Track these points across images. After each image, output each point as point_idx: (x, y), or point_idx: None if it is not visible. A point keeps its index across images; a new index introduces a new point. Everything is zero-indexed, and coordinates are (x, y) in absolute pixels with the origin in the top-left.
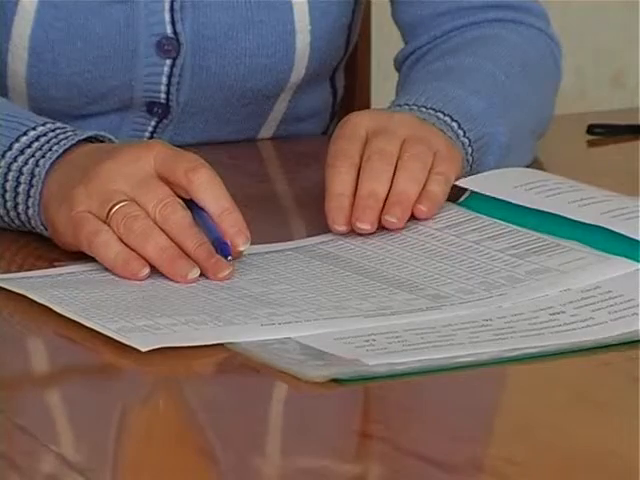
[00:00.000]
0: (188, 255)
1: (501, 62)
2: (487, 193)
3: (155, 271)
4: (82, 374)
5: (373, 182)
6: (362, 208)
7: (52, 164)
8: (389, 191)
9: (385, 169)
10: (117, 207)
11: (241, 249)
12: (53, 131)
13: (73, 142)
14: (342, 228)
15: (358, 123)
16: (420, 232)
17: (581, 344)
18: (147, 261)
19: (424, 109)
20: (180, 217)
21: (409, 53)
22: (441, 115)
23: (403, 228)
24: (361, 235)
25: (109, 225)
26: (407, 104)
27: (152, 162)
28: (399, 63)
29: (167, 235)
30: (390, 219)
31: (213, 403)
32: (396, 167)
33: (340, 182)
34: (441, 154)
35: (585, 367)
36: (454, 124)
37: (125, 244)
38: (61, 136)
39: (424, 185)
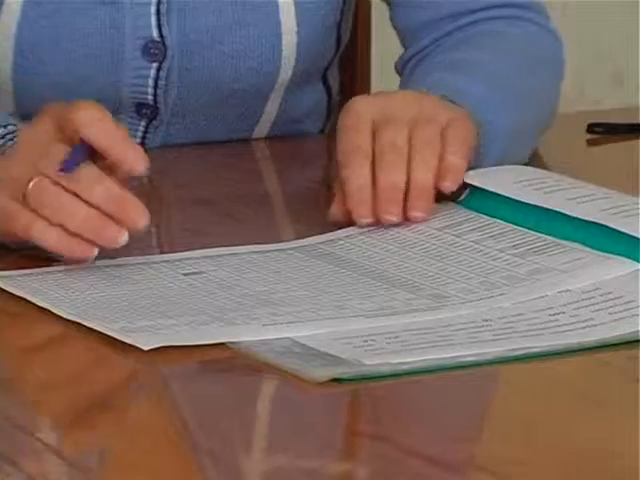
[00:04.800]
0: (104, 211)
1: (503, 56)
2: (487, 188)
3: (154, 269)
4: (82, 373)
5: (391, 174)
6: (385, 200)
7: None
8: (408, 180)
9: (399, 161)
10: (30, 185)
11: (139, 170)
12: (2, 137)
13: None
14: (368, 220)
15: (362, 111)
16: (420, 232)
17: (582, 344)
18: (77, 234)
19: None
20: (85, 173)
21: (410, 56)
22: (436, 100)
23: (404, 228)
24: (361, 235)
25: (29, 207)
26: None
27: (50, 124)
28: (400, 68)
29: (78, 196)
30: (417, 214)
31: (213, 402)
32: (410, 155)
33: (357, 177)
34: (451, 123)
35: (585, 367)
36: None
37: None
38: (9, 143)
39: (443, 159)
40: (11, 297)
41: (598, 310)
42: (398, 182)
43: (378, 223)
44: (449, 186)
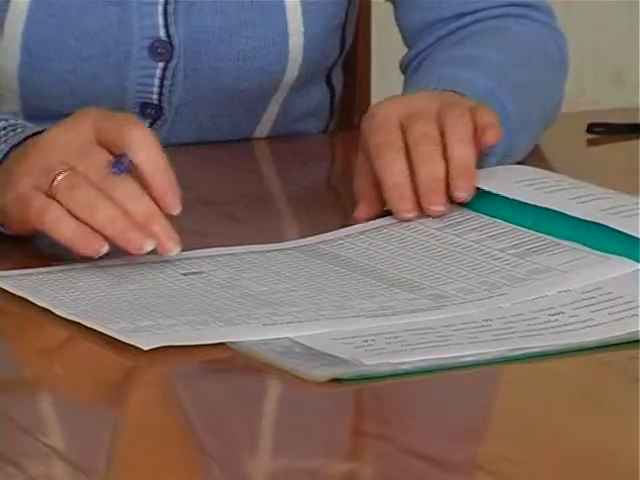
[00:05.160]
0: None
1: (507, 52)
2: (487, 188)
3: (154, 269)
4: (83, 374)
5: (430, 165)
6: (429, 191)
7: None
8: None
9: (435, 149)
10: (60, 178)
11: (173, 212)
12: (4, 129)
13: (20, 139)
14: (411, 215)
15: (387, 113)
16: (420, 232)
17: (582, 344)
18: (98, 231)
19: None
20: (125, 185)
21: (415, 55)
22: (453, 94)
23: (404, 227)
24: (361, 234)
25: (54, 198)
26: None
27: (90, 127)
28: (405, 67)
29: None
30: (461, 194)
31: (214, 402)
32: (444, 139)
33: (394, 172)
34: (475, 106)
35: (585, 367)
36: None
37: (75, 217)
38: (10, 134)
39: (477, 120)
40: (11, 297)
41: (598, 310)
42: (437, 172)
43: (421, 215)
44: (494, 134)
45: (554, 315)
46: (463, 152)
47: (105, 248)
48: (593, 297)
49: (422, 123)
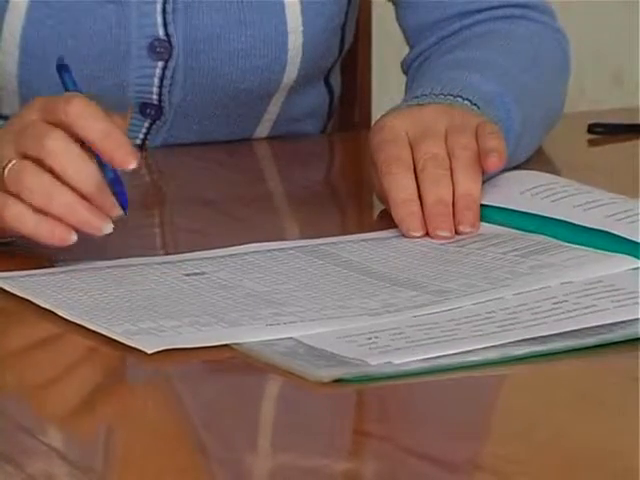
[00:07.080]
0: (85, 195)
1: (511, 55)
2: (493, 204)
3: (156, 270)
4: (85, 375)
5: (437, 189)
6: (436, 216)
7: None
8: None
9: (443, 173)
10: (8, 167)
11: (132, 167)
12: None
13: None
14: (419, 233)
15: (396, 126)
16: (422, 245)
17: (583, 342)
18: (58, 218)
19: (442, 97)
20: (64, 150)
21: (417, 55)
22: (460, 100)
23: (404, 239)
24: (362, 241)
25: (8, 191)
26: (424, 94)
27: (34, 111)
28: (407, 66)
29: (58, 172)
30: (466, 229)
31: (215, 402)
32: (452, 164)
33: (402, 188)
34: (483, 124)
35: (585, 367)
36: (474, 107)
37: (32, 206)
38: None
39: (481, 145)
40: (12, 297)
41: (600, 298)
42: (445, 196)
43: (428, 236)
44: (496, 162)
45: (557, 303)
46: (469, 185)
47: (73, 237)
48: (595, 288)
49: (431, 142)
